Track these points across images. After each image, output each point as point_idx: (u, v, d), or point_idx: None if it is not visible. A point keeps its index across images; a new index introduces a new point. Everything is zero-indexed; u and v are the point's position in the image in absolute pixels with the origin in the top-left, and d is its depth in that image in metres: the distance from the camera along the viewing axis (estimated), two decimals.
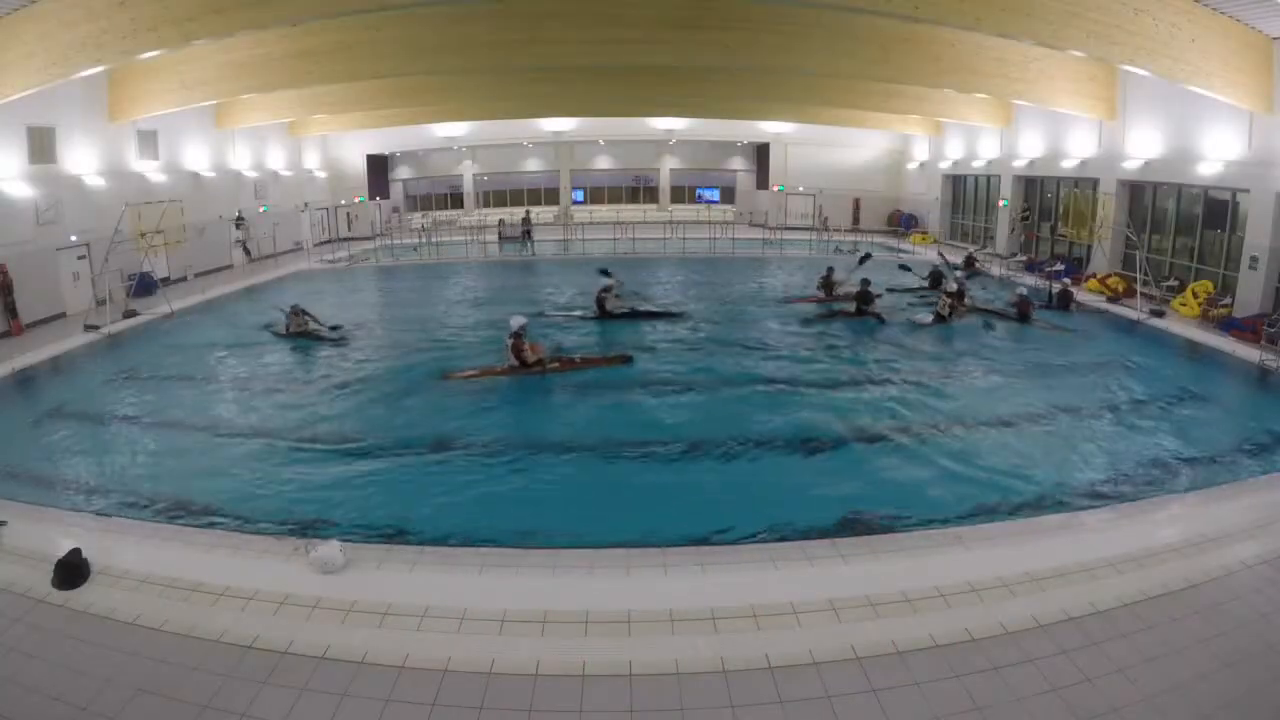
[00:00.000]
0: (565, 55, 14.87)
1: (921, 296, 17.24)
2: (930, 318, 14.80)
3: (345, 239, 30.13)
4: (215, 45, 14.63)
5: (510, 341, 11.13)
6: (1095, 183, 19.00)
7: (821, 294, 16.99)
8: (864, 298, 15.17)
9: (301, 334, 14.07)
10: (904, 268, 17.75)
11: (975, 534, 6.28)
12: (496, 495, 7.48)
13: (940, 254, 20.54)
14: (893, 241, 28.08)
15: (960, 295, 15.09)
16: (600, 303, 15.17)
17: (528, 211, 29.50)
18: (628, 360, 11.92)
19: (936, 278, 17.53)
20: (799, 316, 15.65)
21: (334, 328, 14.23)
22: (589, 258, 23.77)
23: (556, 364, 11.44)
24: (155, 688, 4.41)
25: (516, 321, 11.37)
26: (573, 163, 35.03)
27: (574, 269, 22.34)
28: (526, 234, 26.61)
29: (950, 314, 14.72)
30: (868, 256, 17.72)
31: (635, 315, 15.20)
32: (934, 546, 6.01)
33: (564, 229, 30.44)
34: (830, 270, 17.59)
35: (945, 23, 11.80)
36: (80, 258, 16.37)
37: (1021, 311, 14.95)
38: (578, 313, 15.80)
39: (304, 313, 14.37)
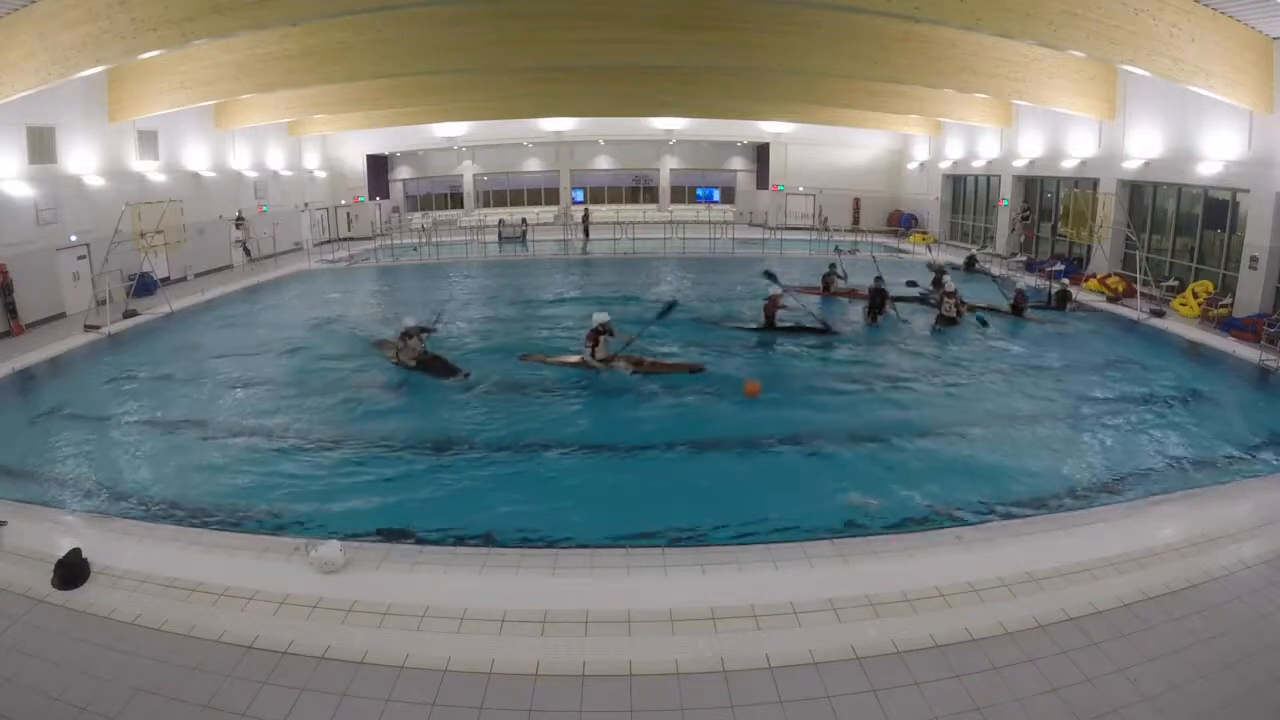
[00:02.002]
0: (565, 55, 14.86)
1: (927, 296, 17.26)
2: (936, 318, 14.81)
3: (345, 239, 30.14)
4: (215, 45, 14.62)
5: (586, 335, 11.33)
6: (1095, 183, 19.00)
7: (821, 288, 17.61)
8: (877, 297, 15.08)
9: (421, 365, 11.28)
10: (911, 283, 17.66)
11: (975, 534, 6.28)
12: (506, 494, 7.46)
13: (972, 255, 20.76)
14: (892, 242, 28.08)
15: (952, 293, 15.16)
16: (769, 313, 13.94)
17: (586, 209, 29.30)
18: (699, 370, 11.34)
19: (939, 278, 17.57)
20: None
21: (465, 374, 11.14)
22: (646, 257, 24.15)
23: (624, 364, 11.18)
24: (155, 688, 4.41)
25: (598, 318, 11.38)
26: (573, 163, 35.04)
27: (625, 267, 22.60)
28: (585, 231, 27.02)
29: (957, 314, 14.76)
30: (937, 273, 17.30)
31: (799, 330, 13.87)
32: (934, 546, 6.01)
33: (564, 229, 30.44)
34: (833, 267, 18.28)
35: (945, 23, 11.79)
36: (80, 258, 16.37)
37: (1016, 306, 15.07)
38: (748, 324, 14.43)
39: (422, 334, 11.54)
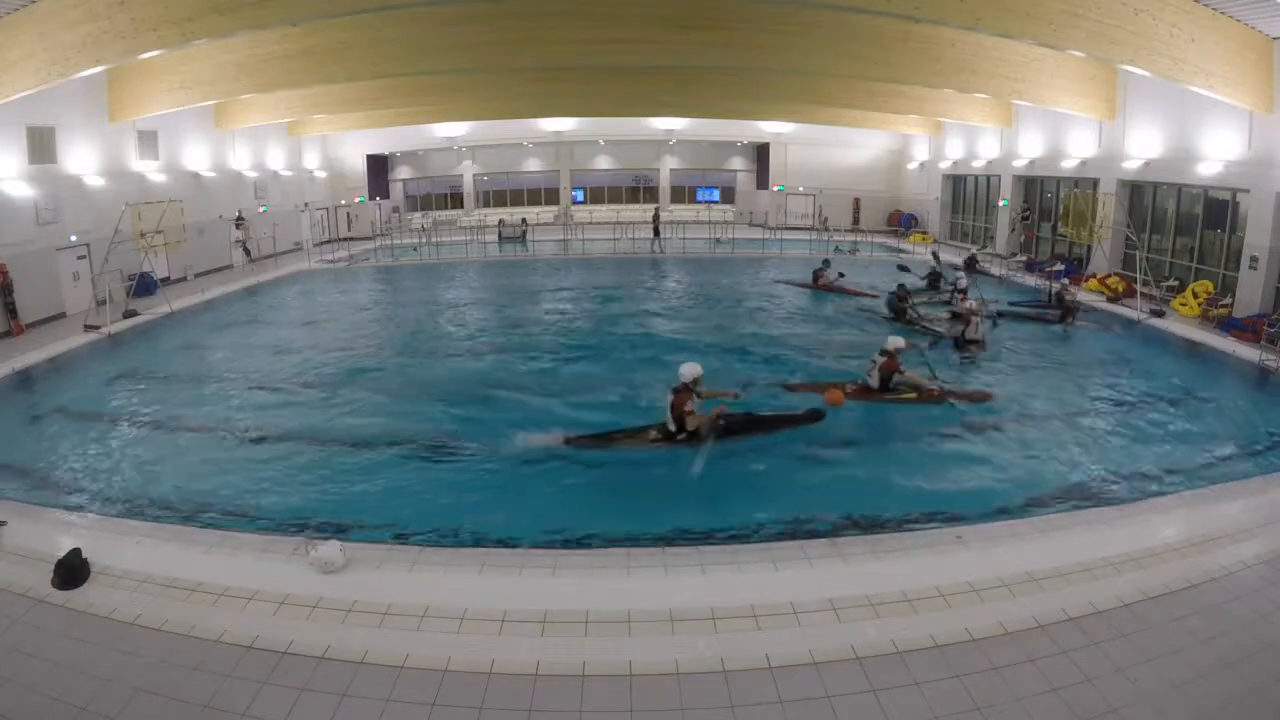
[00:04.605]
0: (565, 55, 14.85)
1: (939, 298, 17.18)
2: (946, 316, 14.78)
3: (345, 239, 30.14)
4: (215, 45, 14.62)
5: (881, 360, 9.70)
6: (1095, 183, 19.00)
7: (815, 282, 18.22)
8: (893, 304, 14.99)
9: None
10: (902, 268, 17.80)
11: (975, 534, 6.27)
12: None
13: (972, 255, 20.73)
14: (892, 241, 28.09)
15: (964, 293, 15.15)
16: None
17: (656, 209, 29.10)
18: (987, 398, 10.21)
19: (934, 278, 17.65)
20: (813, 318, 15.62)
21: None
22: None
23: (915, 393, 9.78)
24: (155, 688, 4.41)
25: (893, 342, 9.82)
26: (573, 163, 35.04)
27: (704, 267, 22.64)
28: (656, 231, 26.41)
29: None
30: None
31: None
32: (934, 546, 6.01)
33: (564, 229, 30.44)
34: (825, 263, 18.78)
35: (945, 23, 11.78)
36: (80, 258, 16.36)
37: (1066, 312, 14.79)
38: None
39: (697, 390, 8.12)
